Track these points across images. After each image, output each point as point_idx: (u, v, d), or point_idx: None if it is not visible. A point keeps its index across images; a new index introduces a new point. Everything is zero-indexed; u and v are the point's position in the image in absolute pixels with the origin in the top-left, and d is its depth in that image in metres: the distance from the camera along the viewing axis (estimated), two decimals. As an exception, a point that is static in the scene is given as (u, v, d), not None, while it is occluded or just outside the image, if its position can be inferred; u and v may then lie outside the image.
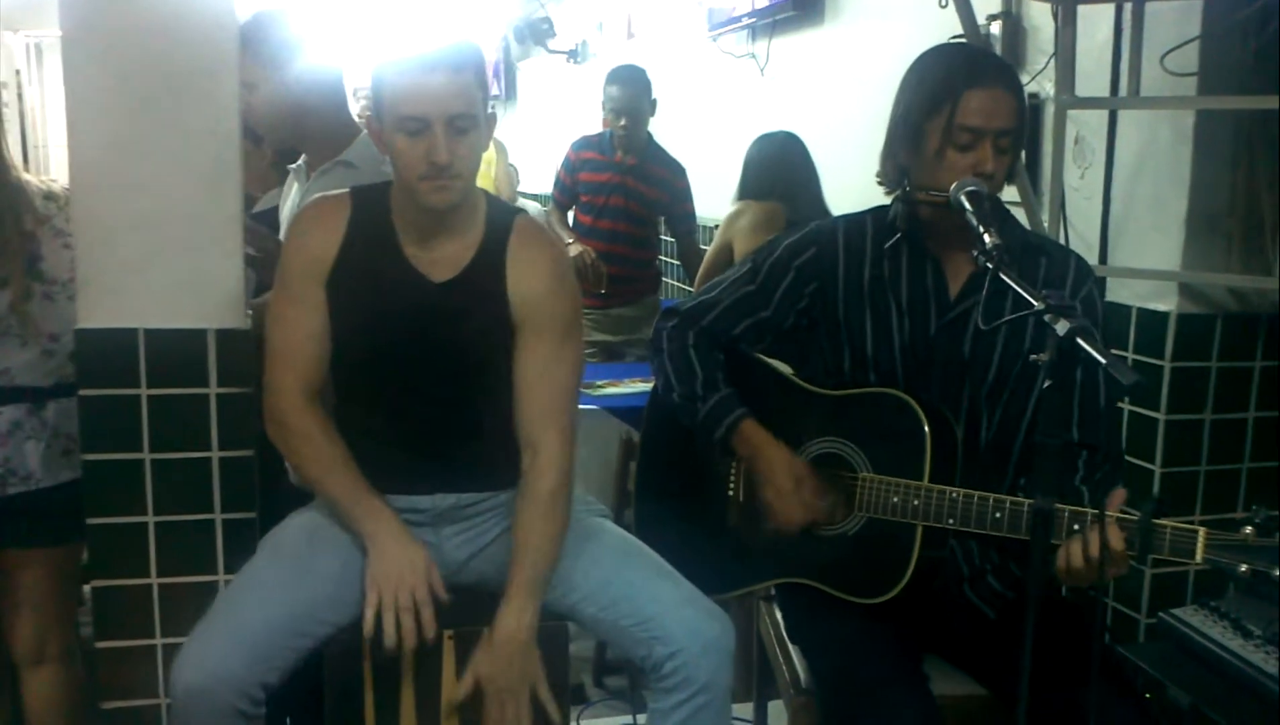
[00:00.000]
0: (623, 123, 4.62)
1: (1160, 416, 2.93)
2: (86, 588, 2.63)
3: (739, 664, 2.10)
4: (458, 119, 1.96)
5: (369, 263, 2.09)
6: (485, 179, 6.82)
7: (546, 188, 8.36)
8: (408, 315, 2.08)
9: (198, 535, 2.44)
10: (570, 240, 4.76)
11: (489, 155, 6.93)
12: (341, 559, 2.07)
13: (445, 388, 2.12)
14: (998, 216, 2.02)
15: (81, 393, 2.37)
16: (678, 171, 4.87)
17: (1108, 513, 1.75)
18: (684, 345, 2.22)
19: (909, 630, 2.05)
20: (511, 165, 7.67)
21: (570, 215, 4.97)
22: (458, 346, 2.10)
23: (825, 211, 3.98)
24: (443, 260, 2.11)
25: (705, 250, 4.55)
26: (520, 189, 7.84)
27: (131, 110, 2.32)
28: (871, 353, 2.11)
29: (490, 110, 2.08)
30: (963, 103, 1.93)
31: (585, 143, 4.91)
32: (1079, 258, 2.13)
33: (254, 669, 1.92)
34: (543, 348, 2.10)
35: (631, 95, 4.64)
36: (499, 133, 7.22)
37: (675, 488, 2.38)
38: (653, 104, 4.73)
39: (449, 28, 2.04)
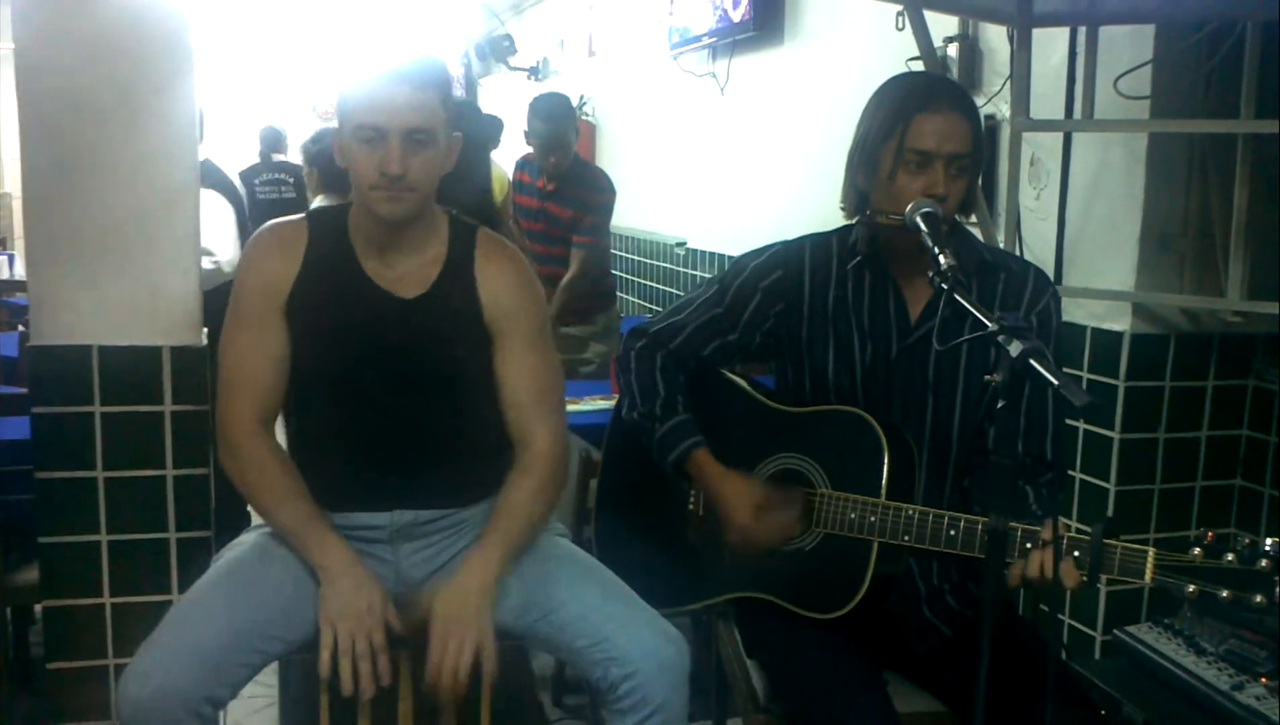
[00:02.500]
0: (553, 160, 4.60)
1: (1115, 435, 2.96)
2: (37, 608, 2.60)
3: (696, 683, 2.09)
4: (415, 133, 1.97)
5: (329, 283, 2.09)
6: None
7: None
8: (374, 332, 2.07)
9: (152, 554, 2.43)
10: None
11: (501, 181, 6.84)
12: (295, 576, 2.05)
13: (410, 403, 2.11)
14: (955, 236, 2.04)
15: (34, 410, 2.35)
16: (597, 186, 4.77)
17: (1060, 536, 1.78)
18: (651, 367, 2.22)
19: (867, 644, 2.06)
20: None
21: None
22: (428, 361, 2.10)
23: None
24: (407, 276, 2.11)
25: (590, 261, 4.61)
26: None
27: (86, 126, 2.31)
28: (832, 376, 2.12)
29: (455, 133, 2.08)
30: (914, 126, 1.96)
31: (522, 163, 4.92)
32: (1038, 271, 2.14)
33: (202, 684, 1.89)
34: (521, 350, 2.15)
35: (557, 130, 4.59)
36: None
37: (635, 504, 2.38)
38: (576, 131, 4.72)
39: (411, 45, 2.04)
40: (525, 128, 4.67)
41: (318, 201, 4.89)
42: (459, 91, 10.34)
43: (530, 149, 4.77)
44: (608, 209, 4.78)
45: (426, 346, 2.09)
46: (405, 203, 2.01)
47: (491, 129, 6.79)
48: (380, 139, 1.96)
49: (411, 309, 2.09)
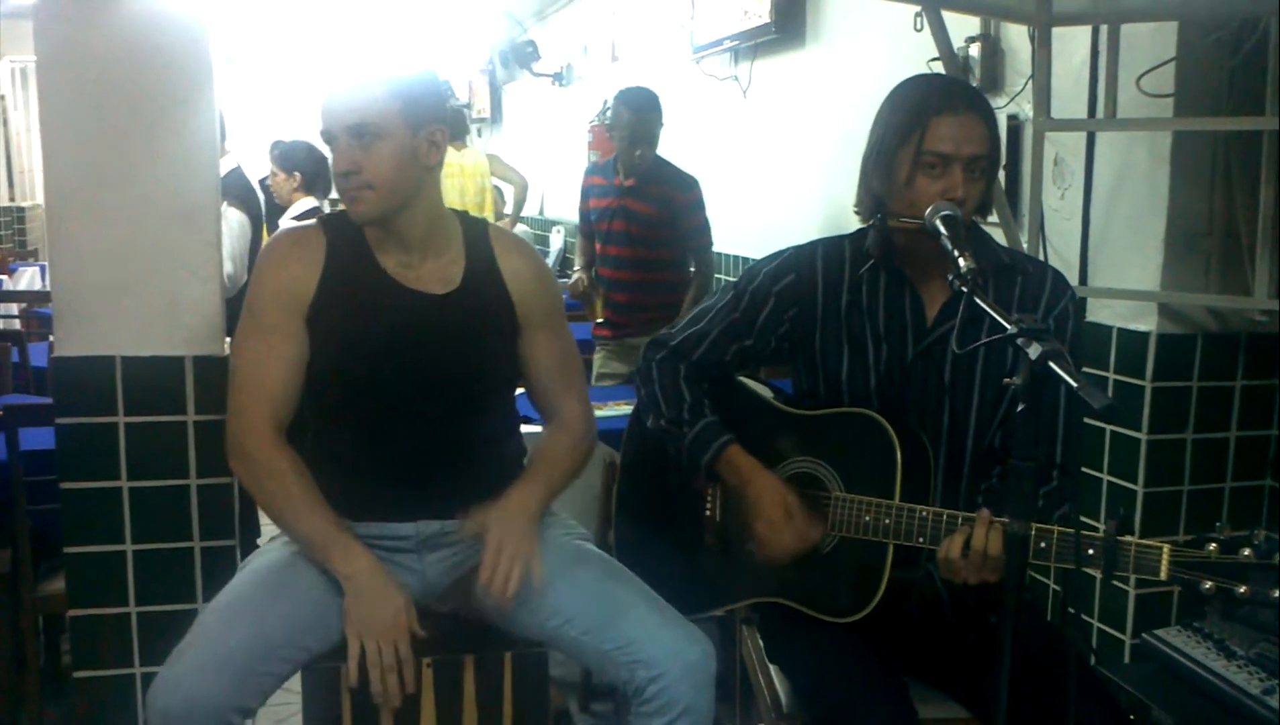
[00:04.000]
0: (638, 153, 4.51)
1: (1142, 436, 2.93)
2: (66, 617, 2.62)
3: (721, 689, 2.09)
4: (357, 128, 2.00)
5: (353, 288, 2.10)
6: (459, 200, 6.70)
7: (532, 210, 8.42)
8: (409, 334, 2.09)
9: (176, 563, 2.44)
10: (576, 268, 4.73)
11: (479, 167, 6.78)
12: (321, 584, 2.05)
13: (440, 408, 2.12)
14: (973, 238, 2.03)
15: (59, 421, 2.37)
16: (682, 185, 4.65)
17: (993, 519, 1.82)
18: (675, 376, 2.22)
19: (888, 648, 2.05)
20: (497, 186, 7.53)
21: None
22: (465, 356, 2.12)
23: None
24: (429, 276, 2.12)
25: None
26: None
27: (107, 138, 2.33)
28: (846, 379, 2.11)
29: (432, 127, 2.06)
30: (931, 129, 1.95)
31: (594, 168, 4.85)
32: (1056, 273, 2.13)
33: (232, 694, 1.90)
34: (548, 334, 2.24)
35: (644, 121, 4.53)
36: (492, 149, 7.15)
37: (654, 509, 2.38)
38: (662, 125, 4.63)
39: (427, 55, 2.06)
40: (608, 121, 4.60)
41: (300, 204, 5.00)
42: (468, 97, 10.38)
43: (600, 154, 4.70)
44: (703, 204, 4.69)
45: (460, 342, 2.11)
46: (364, 202, 2.03)
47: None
48: (334, 141, 2.02)
49: (442, 306, 2.11)
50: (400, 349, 2.08)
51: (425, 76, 2.11)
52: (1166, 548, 1.73)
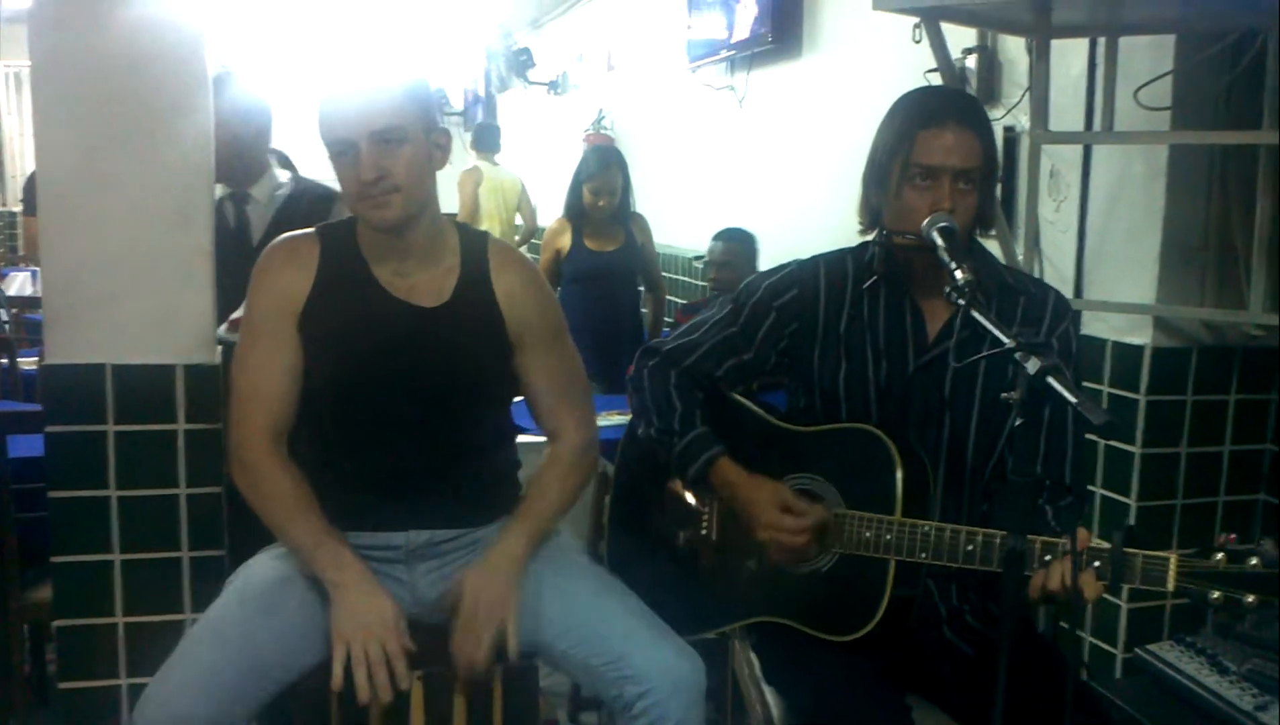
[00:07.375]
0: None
1: (1136, 450, 2.92)
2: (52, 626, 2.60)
3: (712, 703, 2.07)
4: (384, 133, 1.97)
5: (344, 296, 2.08)
6: (498, 214, 6.75)
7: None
8: (397, 345, 2.07)
9: (165, 573, 2.42)
10: None
11: (515, 186, 6.85)
12: (311, 600, 2.04)
13: (429, 418, 2.10)
14: (976, 256, 2.02)
15: (48, 429, 2.35)
16: None
17: (1079, 548, 1.76)
18: (665, 384, 2.21)
19: (889, 667, 2.03)
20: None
21: None
22: (449, 371, 2.09)
23: None
24: (421, 287, 2.10)
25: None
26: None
27: (101, 145, 2.32)
28: (844, 396, 2.10)
29: (440, 129, 2.09)
30: (918, 142, 1.95)
31: None
32: (1058, 294, 2.13)
33: (219, 712, 1.88)
34: (545, 353, 2.20)
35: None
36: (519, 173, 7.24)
37: (649, 526, 2.36)
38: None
39: (425, 60, 2.05)
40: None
41: None
42: (462, 105, 10.39)
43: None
44: None
45: (447, 356, 2.09)
46: (393, 206, 2.00)
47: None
48: (350, 149, 1.97)
49: (431, 319, 2.09)
50: (388, 359, 2.07)
51: (425, 81, 2.11)
52: (1174, 558, 1.73)
